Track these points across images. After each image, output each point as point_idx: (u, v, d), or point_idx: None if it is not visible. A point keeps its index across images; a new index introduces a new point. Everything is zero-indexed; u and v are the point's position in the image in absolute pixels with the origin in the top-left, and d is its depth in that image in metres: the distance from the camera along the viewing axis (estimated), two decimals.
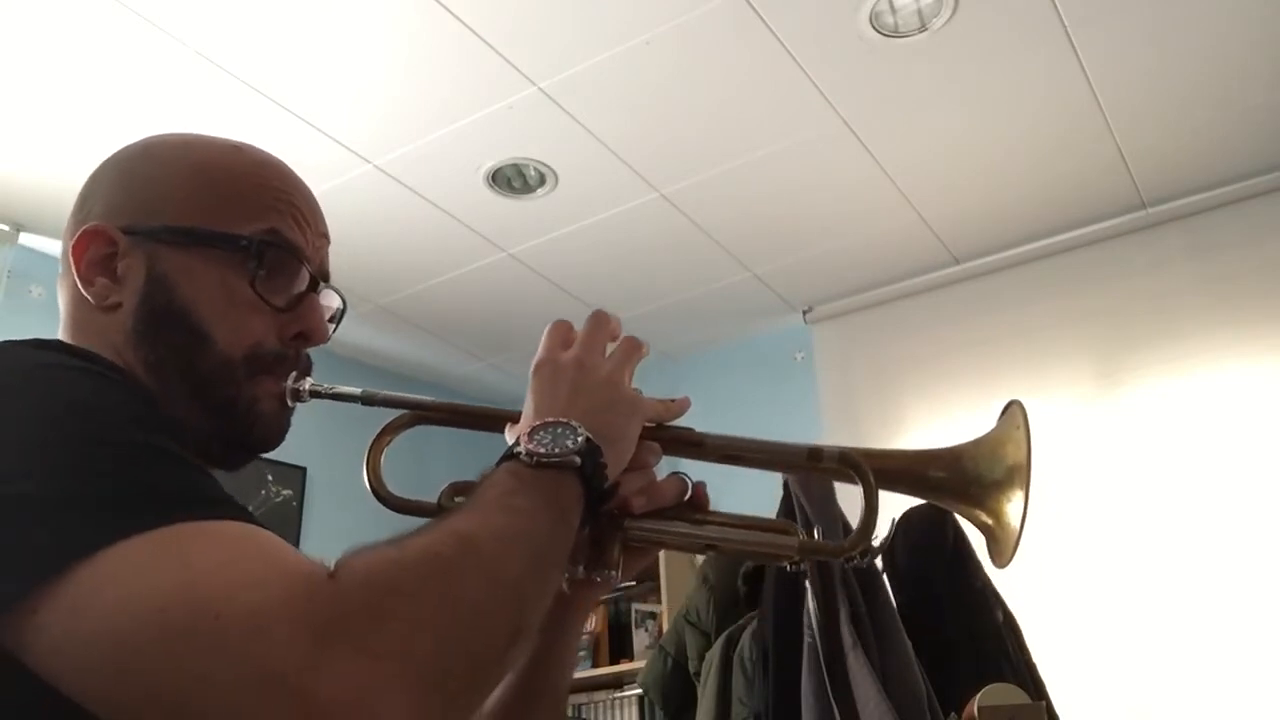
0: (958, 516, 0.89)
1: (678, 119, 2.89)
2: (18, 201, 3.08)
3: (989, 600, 1.97)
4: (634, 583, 3.53)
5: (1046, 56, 2.68)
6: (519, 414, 0.78)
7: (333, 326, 0.85)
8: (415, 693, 0.53)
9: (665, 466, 0.83)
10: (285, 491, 3.70)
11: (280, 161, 0.84)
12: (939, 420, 3.55)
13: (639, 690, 3.07)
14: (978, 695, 1.36)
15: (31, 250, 3.24)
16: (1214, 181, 3.24)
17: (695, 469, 0.86)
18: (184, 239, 0.77)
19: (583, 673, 3.51)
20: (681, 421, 0.85)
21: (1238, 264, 3.20)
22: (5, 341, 0.67)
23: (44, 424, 0.58)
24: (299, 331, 0.81)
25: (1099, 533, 3.10)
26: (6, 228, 3.18)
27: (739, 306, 3.93)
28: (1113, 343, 3.34)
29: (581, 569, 0.79)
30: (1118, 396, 3.29)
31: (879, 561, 1.94)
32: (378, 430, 0.84)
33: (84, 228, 0.78)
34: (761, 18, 2.50)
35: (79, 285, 0.77)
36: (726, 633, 2.30)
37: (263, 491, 3.63)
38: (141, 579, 0.52)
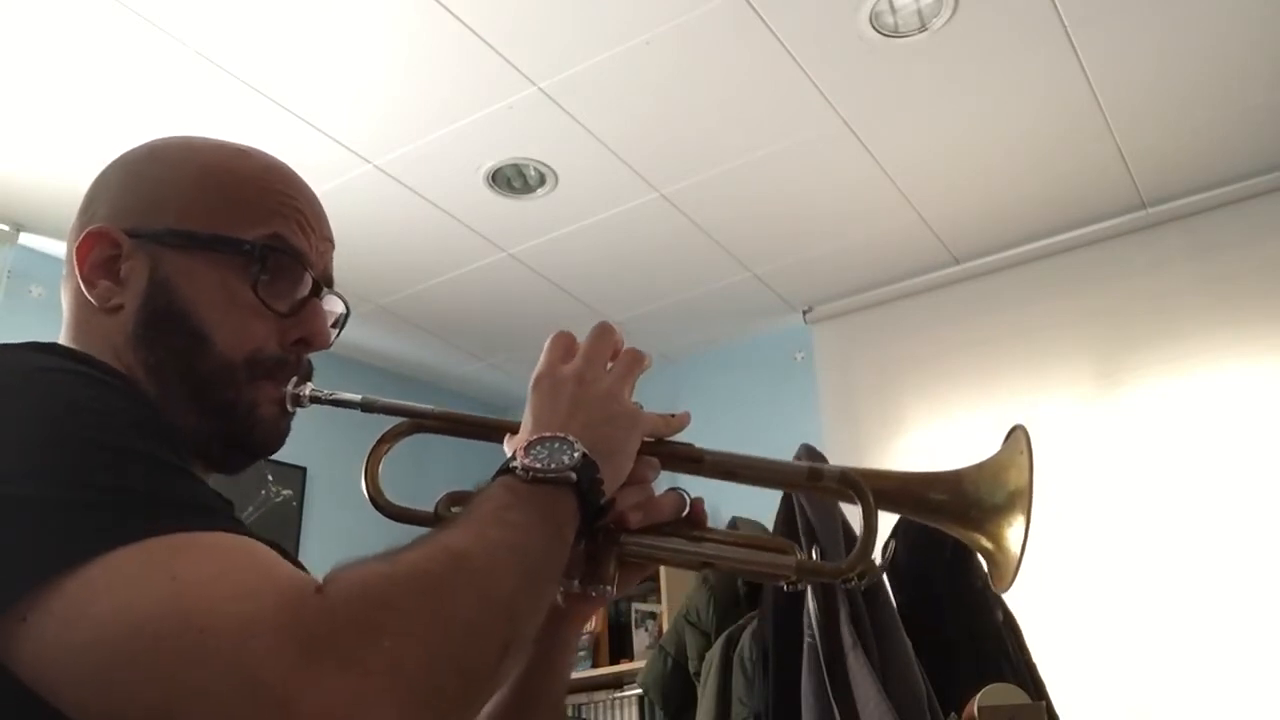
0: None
1: (678, 119, 2.88)
2: (18, 201, 3.08)
3: (989, 600, 1.96)
4: None
5: (1046, 56, 2.68)
6: (518, 424, 0.78)
7: (335, 332, 0.85)
8: (405, 707, 0.53)
9: (664, 482, 0.82)
10: (285, 491, 3.70)
11: (285, 166, 0.84)
12: (939, 420, 3.55)
13: (639, 690, 3.07)
14: (978, 695, 1.36)
15: (31, 250, 3.24)
16: (1214, 181, 3.24)
17: (694, 484, 0.85)
18: (187, 242, 0.77)
19: (583, 673, 3.51)
20: (683, 431, 0.84)
21: (1238, 264, 3.20)
22: (3, 345, 0.67)
23: (41, 427, 0.58)
24: (300, 337, 0.81)
25: (1099, 533, 3.10)
26: (6, 228, 3.18)
27: (739, 306, 3.93)
28: (1113, 343, 3.34)
29: (577, 583, 0.79)
30: (1118, 396, 3.29)
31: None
32: (377, 437, 0.84)
33: (88, 229, 0.78)
34: (761, 18, 2.50)
35: (82, 287, 0.77)
36: (726, 633, 2.30)
37: (263, 491, 3.63)
38: (132, 589, 0.52)
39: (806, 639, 1.85)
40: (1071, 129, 2.98)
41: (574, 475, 0.69)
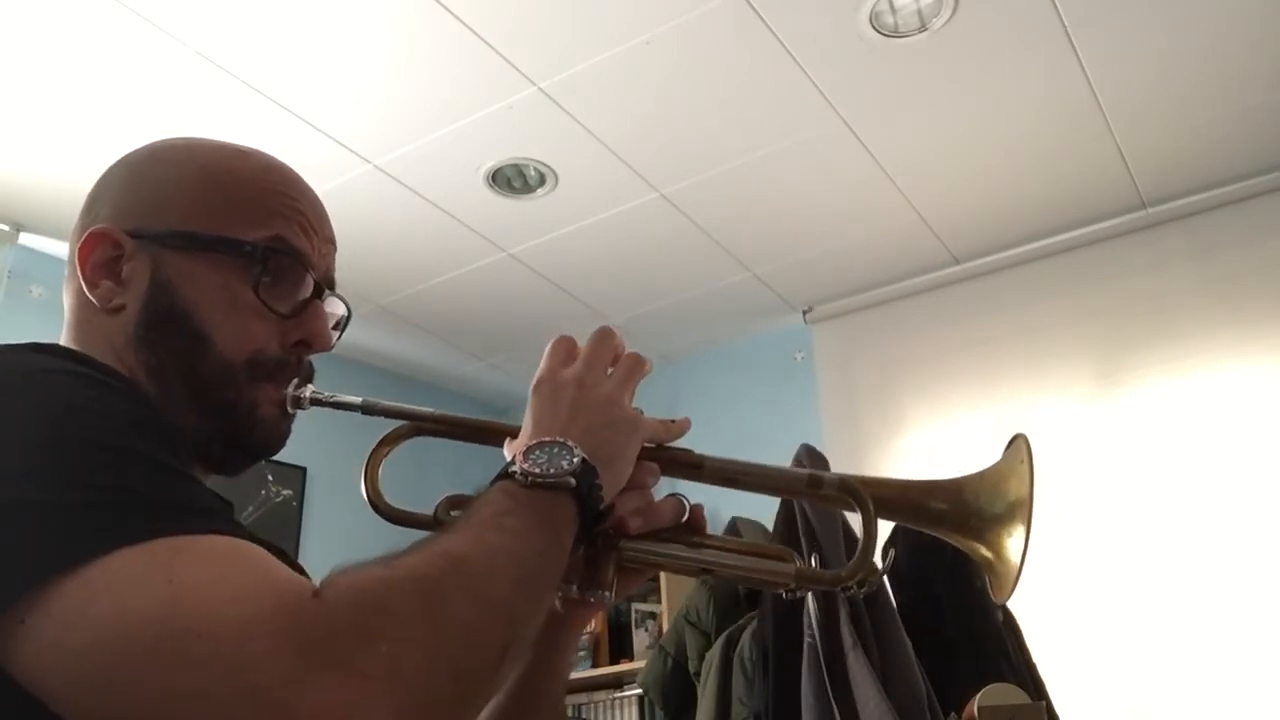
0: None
1: (678, 119, 2.88)
2: (18, 201, 3.08)
3: (989, 600, 1.95)
4: None
5: (1046, 56, 2.68)
6: (518, 428, 0.78)
7: (336, 334, 0.85)
8: (403, 712, 0.53)
9: (664, 487, 0.82)
10: (285, 492, 3.70)
11: (287, 167, 0.84)
12: (939, 420, 3.55)
13: (639, 690, 3.07)
14: (978, 695, 1.36)
15: (31, 250, 3.24)
16: (1214, 181, 3.24)
17: (693, 490, 0.85)
18: (189, 243, 0.77)
19: (583, 673, 3.51)
20: (684, 434, 0.84)
21: (1238, 264, 3.20)
22: (3, 345, 0.67)
23: (41, 428, 0.58)
24: (301, 338, 0.81)
25: (1099, 533, 3.10)
26: (6, 228, 3.18)
27: (739, 306, 3.93)
28: (1113, 343, 3.34)
29: (575, 589, 0.78)
30: (1118, 396, 3.29)
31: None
32: (377, 439, 0.84)
33: (90, 230, 0.78)
34: (761, 18, 2.50)
35: (84, 287, 0.77)
36: (726, 633, 2.30)
37: (263, 491, 3.63)
38: (130, 592, 0.52)
39: (806, 639, 1.85)
40: (1071, 129, 2.98)
41: (573, 480, 0.69)
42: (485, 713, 0.82)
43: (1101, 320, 3.38)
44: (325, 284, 0.83)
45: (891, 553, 0.86)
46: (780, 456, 1.62)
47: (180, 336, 0.75)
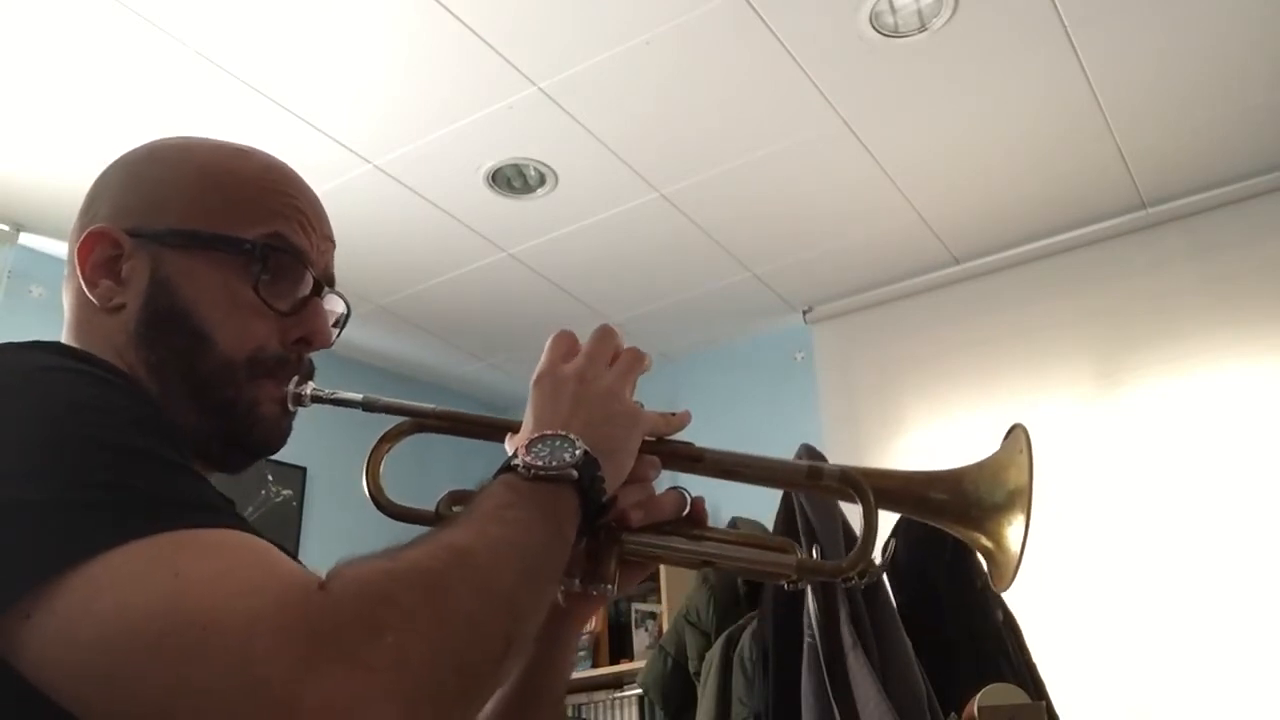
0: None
1: (678, 119, 2.89)
2: (18, 201, 3.08)
3: (989, 600, 1.96)
4: None
5: (1046, 56, 2.68)
6: (520, 424, 0.78)
7: (336, 331, 0.85)
8: (409, 704, 0.53)
9: (664, 481, 0.82)
10: (285, 491, 3.70)
11: (285, 165, 0.84)
12: (939, 420, 3.55)
13: (639, 690, 3.07)
14: (978, 695, 1.36)
15: (31, 250, 3.24)
16: (1214, 181, 3.24)
17: (695, 482, 0.85)
18: (188, 241, 0.77)
19: (583, 673, 3.51)
20: (684, 430, 0.84)
21: (1238, 264, 3.20)
22: (4, 344, 0.67)
23: (42, 426, 0.58)
24: (301, 336, 0.81)
25: (1099, 533, 3.10)
26: (6, 228, 3.18)
27: (739, 306, 3.93)
28: (1113, 343, 3.34)
29: (578, 582, 0.79)
30: (1118, 396, 3.29)
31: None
32: (378, 436, 0.84)
33: (89, 229, 0.78)
34: (761, 18, 2.50)
35: (83, 287, 0.77)
36: (726, 633, 2.30)
37: (263, 491, 3.63)
38: (135, 586, 0.52)
39: (806, 639, 1.85)
40: (1071, 129, 2.98)
41: (575, 472, 0.69)
42: (488, 709, 0.82)
43: (1101, 320, 3.38)
44: (325, 281, 0.83)
45: (891, 544, 0.86)
46: (780, 456, 1.62)
47: (180, 335, 0.75)
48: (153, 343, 0.75)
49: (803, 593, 1.88)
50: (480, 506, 0.66)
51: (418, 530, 0.64)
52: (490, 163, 3.03)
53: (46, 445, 0.57)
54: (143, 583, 0.52)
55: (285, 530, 3.60)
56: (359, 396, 0.83)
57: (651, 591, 3.62)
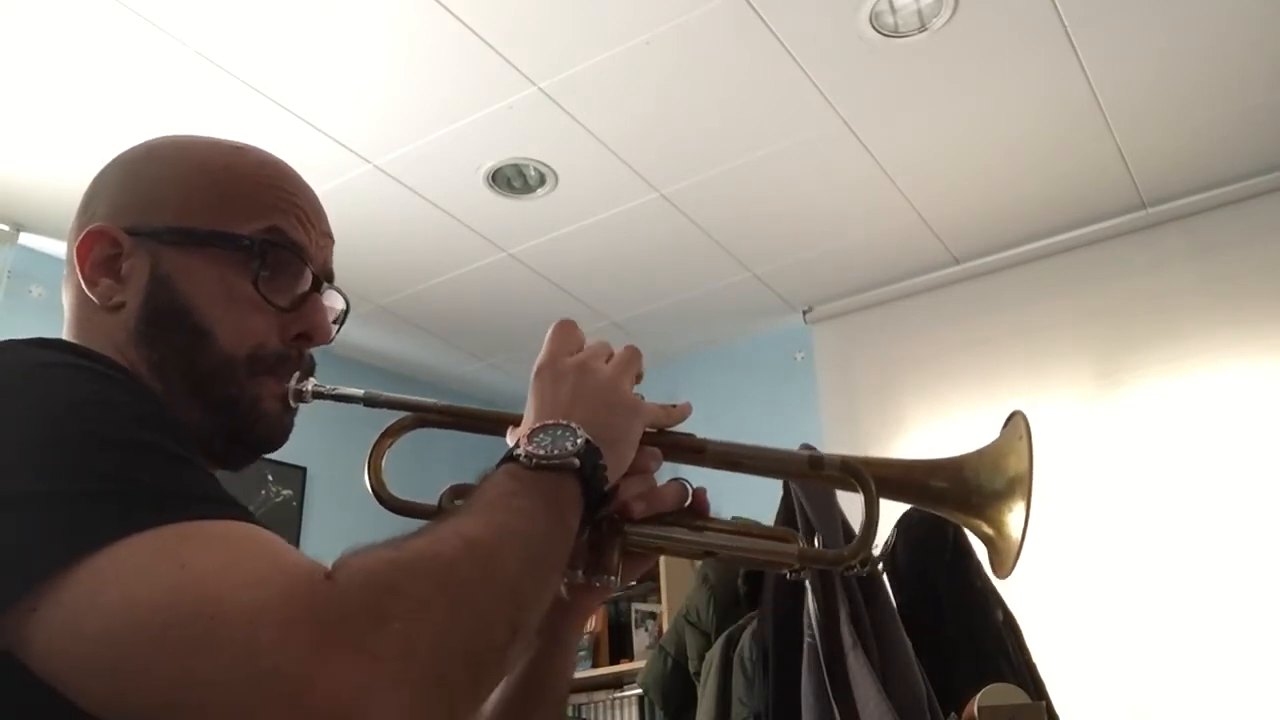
0: None
1: (678, 119, 2.89)
2: (18, 201, 3.08)
3: (989, 600, 1.96)
4: (634, 583, 3.53)
5: (1046, 56, 2.68)
6: (521, 417, 0.78)
7: (336, 327, 0.85)
8: (414, 693, 0.53)
9: (666, 472, 0.83)
10: (285, 491, 3.70)
11: (283, 162, 0.84)
12: (939, 420, 3.55)
13: (639, 690, 3.07)
14: (978, 695, 1.36)
15: (31, 250, 3.24)
16: (1214, 181, 3.24)
17: (696, 475, 0.86)
18: (186, 239, 0.77)
19: (583, 673, 3.51)
20: (683, 425, 0.84)
21: (1238, 264, 3.20)
22: (6, 341, 0.67)
23: (45, 422, 0.58)
24: (301, 332, 0.80)
25: (1099, 533, 3.11)
26: (6, 228, 3.18)
27: (739, 306, 3.93)
28: (1113, 343, 3.34)
29: (580, 574, 0.79)
30: (1118, 396, 3.29)
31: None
32: (379, 432, 0.84)
33: (88, 228, 0.78)
34: (761, 18, 2.50)
35: (83, 286, 0.77)
36: (726, 633, 2.30)
37: (263, 491, 3.63)
38: (141, 578, 0.52)
39: (806, 639, 1.85)
40: (1071, 129, 2.98)
41: (577, 461, 0.70)
42: (491, 704, 0.82)
43: (1101, 320, 3.38)
44: (324, 277, 0.83)
45: (891, 534, 0.86)
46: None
47: (180, 332, 0.75)
48: (153, 340, 0.75)
49: (803, 592, 1.88)
50: (483, 495, 0.66)
51: (419, 525, 0.64)
52: (490, 163, 3.03)
53: (50, 441, 0.57)
54: (148, 575, 0.52)
55: (285, 530, 3.60)
56: (360, 392, 0.83)
57: (651, 591, 3.62)
